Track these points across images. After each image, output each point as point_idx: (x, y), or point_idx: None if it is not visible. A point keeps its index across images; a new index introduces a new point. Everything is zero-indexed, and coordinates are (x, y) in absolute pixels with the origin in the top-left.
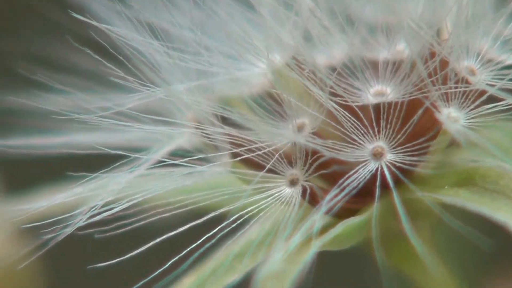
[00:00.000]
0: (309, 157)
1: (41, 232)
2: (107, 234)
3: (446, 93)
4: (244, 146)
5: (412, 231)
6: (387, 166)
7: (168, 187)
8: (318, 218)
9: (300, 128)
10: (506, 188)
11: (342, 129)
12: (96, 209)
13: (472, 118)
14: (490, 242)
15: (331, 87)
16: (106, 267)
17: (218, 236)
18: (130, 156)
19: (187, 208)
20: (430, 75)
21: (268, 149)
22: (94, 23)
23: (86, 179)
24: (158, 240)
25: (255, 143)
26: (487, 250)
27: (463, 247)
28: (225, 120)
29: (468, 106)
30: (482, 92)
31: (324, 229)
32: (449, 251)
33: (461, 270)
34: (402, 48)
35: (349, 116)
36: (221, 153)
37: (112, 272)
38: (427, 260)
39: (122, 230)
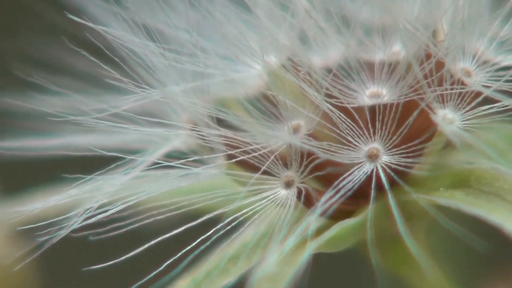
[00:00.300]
0: (304, 159)
1: (36, 234)
2: (102, 236)
3: (442, 95)
4: (240, 148)
5: (407, 233)
6: (382, 168)
7: (163, 189)
8: (313, 220)
9: (295, 130)
10: (501, 190)
11: (338, 131)
12: (91, 211)
13: (468, 119)
14: (485, 244)
15: (327, 89)
16: (101, 269)
17: (213, 238)
18: (125, 158)
19: (182, 210)
20: (425, 77)
21: (263, 151)
22: (90, 24)
23: (81, 181)
24: (153, 242)
25: (251, 145)
26: (482, 252)
27: (458, 249)
28: (220, 122)
29: (464, 108)
30: (478, 94)
31: (319, 231)
32: (444, 253)
33: (456, 272)
34: (398, 50)
35: (345, 117)
36: (216, 155)
37: (107, 274)
38: (422, 262)
39: (117, 232)
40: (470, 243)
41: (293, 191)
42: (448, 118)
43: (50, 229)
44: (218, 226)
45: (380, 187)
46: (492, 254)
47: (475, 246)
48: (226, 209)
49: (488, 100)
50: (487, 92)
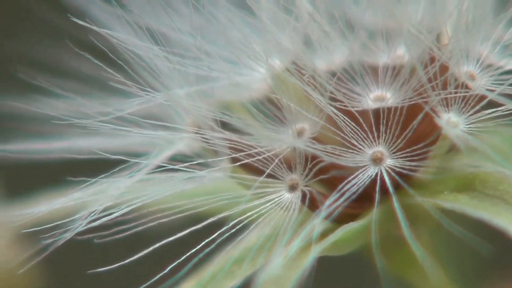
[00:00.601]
0: (308, 162)
1: (41, 237)
2: (107, 239)
3: (446, 98)
4: (244, 151)
5: (411, 236)
6: (386, 171)
7: (167, 192)
8: (317, 223)
9: (299, 133)
10: (506, 193)
11: (342, 134)
12: (95, 214)
13: (472, 123)
14: (489, 247)
15: (331, 92)
16: (106, 272)
17: (218, 241)
18: (130, 161)
19: (186, 213)
20: (430, 80)
21: (267, 154)
22: (94, 28)
23: (86, 184)
24: (157, 245)
25: (255, 148)
26: (486, 255)
27: (463, 253)
28: (224, 125)
29: (468, 111)
30: (482, 97)
31: (324, 234)
32: (449, 257)
33: (461, 276)
34: (402, 53)
35: (349, 121)
36: (220, 158)
37: (112, 277)
38: (427, 265)
39: (122, 235)
40: (475, 246)
41: (298, 194)
42: (452, 122)
43: (55, 232)
44: (223, 229)
45: (384, 191)
46: (496, 257)
47: (479, 249)
48: (231, 212)
49: (492, 104)
50: (491, 96)
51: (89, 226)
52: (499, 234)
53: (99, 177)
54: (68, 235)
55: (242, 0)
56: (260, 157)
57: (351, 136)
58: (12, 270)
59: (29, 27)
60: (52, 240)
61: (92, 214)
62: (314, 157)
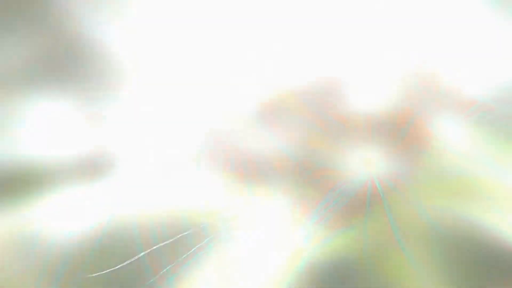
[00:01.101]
0: (301, 168)
1: (38, 241)
2: (100, 245)
3: (438, 103)
4: (239, 156)
5: (403, 241)
6: (378, 176)
7: (162, 197)
8: (309, 228)
9: (294, 139)
10: (500, 197)
11: (335, 141)
12: (91, 218)
13: (464, 128)
14: (483, 252)
15: (324, 100)
16: (101, 276)
17: (210, 246)
18: (125, 165)
19: (180, 218)
20: (422, 86)
21: (262, 159)
22: (91, 31)
23: (82, 187)
24: (149, 250)
25: (250, 154)
26: (479, 259)
27: (456, 258)
28: (223, 131)
29: (460, 116)
30: (474, 102)
31: (315, 240)
32: (441, 262)
33: (453, 281)
34: (395, 60)
35: (341, 127)
36: (217, 164)
37: (107, 282)
38: (418, 270)
39: (118, 239)
40: (467, 250)
41: (290, 199)
42: (444, 127)
43: (53, 235)
44: (215, 234)
45: (375, 196)
46: (491, 262)
47: (472, 253)
48: (223, 217)
49: (484, 108)
50: (483, 100)
51: (86, 230)
52: (491, 237)
53: (95, 181)
54: (64, 239)
55: None
56: (254, 162)
57: (343, 141)
58: (10, 274)
59: (27, 29)
60: (50, 244)
61: (89, 218)
62: (307, 163)
